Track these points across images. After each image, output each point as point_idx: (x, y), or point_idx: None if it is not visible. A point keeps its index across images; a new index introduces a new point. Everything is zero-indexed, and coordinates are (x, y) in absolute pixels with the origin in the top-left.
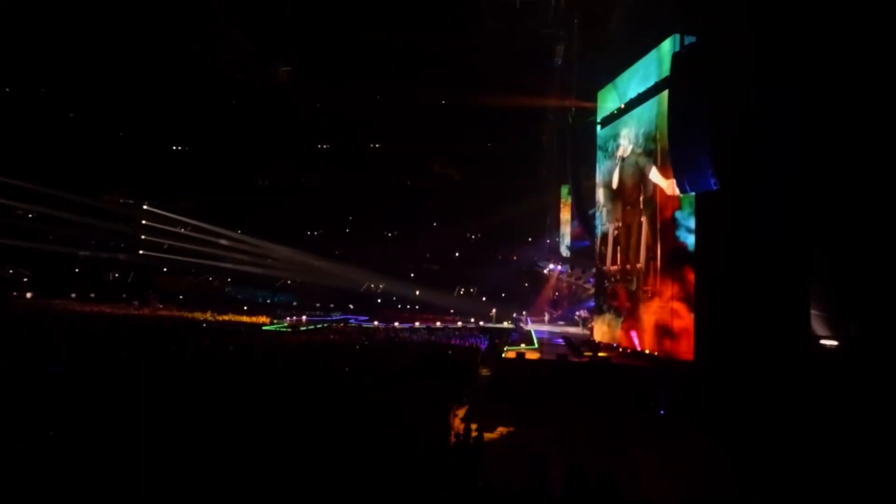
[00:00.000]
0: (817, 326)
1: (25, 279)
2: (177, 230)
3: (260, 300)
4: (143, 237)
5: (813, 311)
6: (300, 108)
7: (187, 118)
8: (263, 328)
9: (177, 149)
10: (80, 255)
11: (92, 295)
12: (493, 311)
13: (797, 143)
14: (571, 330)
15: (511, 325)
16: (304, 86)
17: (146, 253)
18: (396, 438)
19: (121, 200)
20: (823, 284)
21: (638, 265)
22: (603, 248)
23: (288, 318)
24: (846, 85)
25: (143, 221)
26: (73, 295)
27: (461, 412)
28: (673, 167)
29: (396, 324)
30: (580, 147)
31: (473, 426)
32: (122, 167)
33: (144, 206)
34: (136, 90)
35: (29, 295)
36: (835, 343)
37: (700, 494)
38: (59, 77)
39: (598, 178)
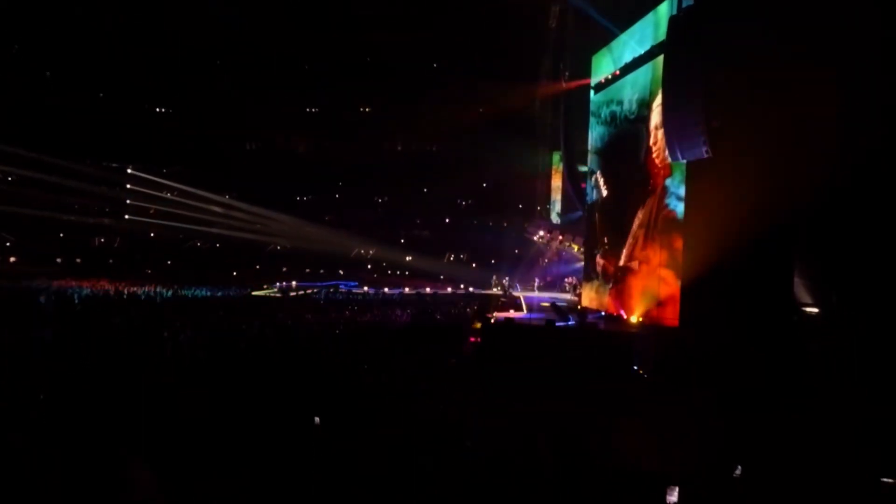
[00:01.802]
0: (801, 294)
1: (8, 244)
2: (163, 195)
3: None
4: (128, 202)
5: (797, 280)
6: (288, 70)
7: (172, 80)
8: (253, 293)
9: (161, 111)
10: (63, 220)
11: (77, 261)
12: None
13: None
14: (560, 296)
15: (500, 291)
16: (293, 49)
17: (132, 218)
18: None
19: (104, 164)
20: (807, 254)
21: (627, 232)
22: (593, 214)
23: (278, 284)
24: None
25: (129, 186)
26: (59, 260)
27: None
28: (665, 134)
29: (386, 289)
30: (572, 112)
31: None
32: (106, 129)
33: (129, 170)
34: (119, 48)
35: (12, 259)
36: (816, 310)
37: (682, 457)
38: (36, 34)
39: (591, 144)
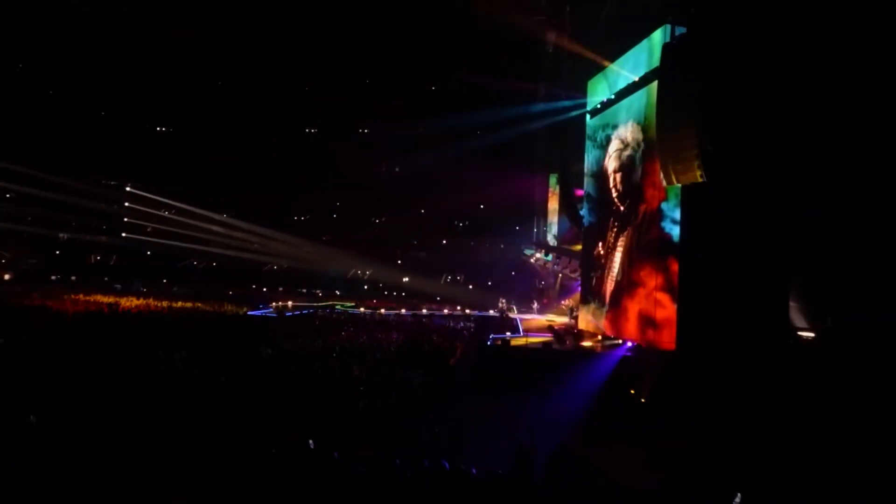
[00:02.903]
0: (795, 318)
1: (3, 261)
2: (161, 213)
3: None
4: (126, 220)
5: (791, 304)
6: (286, 92)
7: (173, 100)
8: (249, 313)
9: (161, 130)
10: (60, 238)
11: (73, 278)
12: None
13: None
14: (557, 318)
15: (497, 313)
16: (293, 69)
17: (129, 236)
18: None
19: (103, 182)
20: (802, 278)
21: (623, 255)
22: (589, 237)
23: (274, 304)
24: (833, 82)
25: (127, 204)
26: (54, 277)
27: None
28: (660, 158)
29: (382, 310)
30: (569, 135)
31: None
32: (106, 148)
33: (128, 189)
34: (120, 69)
35: (7, 276)
36: (811, 334)
37: (678, 479)
38: (37, 53)
39: (587, 167)
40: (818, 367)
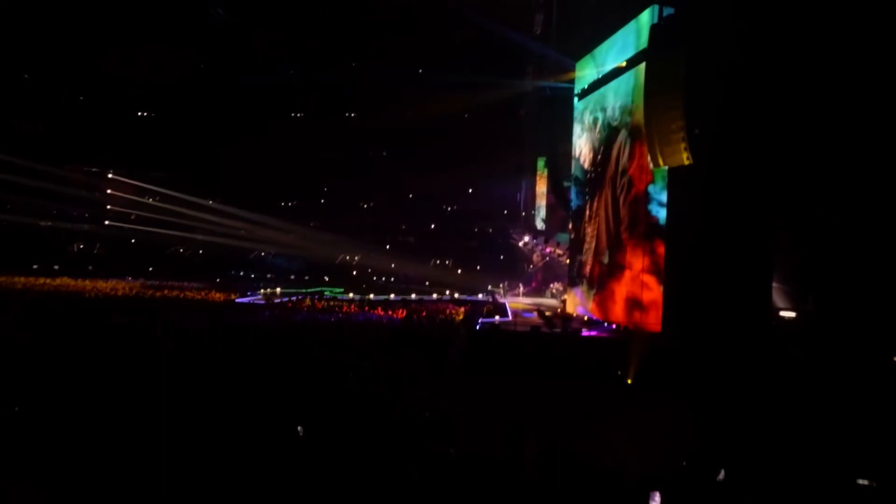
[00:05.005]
0: (778, 299)
1: None
2: (145, 200)
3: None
4: (109, 207)
5: (774, 285)
6: (274, 75)
7: (155, 83)
8: (237, 301)
9: (143, 115)
10: (41, 226)
11: (56, 267)
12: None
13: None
14: (545, 302)
15: (486, 297)
16: (277, 51)
17: (112, 223)
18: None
19: (85, 169)
20: (785, 260)
21: (610, 238)
22: (577, 220)
23: (262, 291)
24: (820, 64)
25: (109, 191)
26: (35, 266)
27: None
28: (647, 140)
29: (371, 295)
30: (557, 119)
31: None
32: (87, 134)
33: (110, 175)
34: (98, 52)
35: None
36: (793, 314)
37: (667, 462)
38: (14, 37)
39: (574, 150)
40: (800, 348)
